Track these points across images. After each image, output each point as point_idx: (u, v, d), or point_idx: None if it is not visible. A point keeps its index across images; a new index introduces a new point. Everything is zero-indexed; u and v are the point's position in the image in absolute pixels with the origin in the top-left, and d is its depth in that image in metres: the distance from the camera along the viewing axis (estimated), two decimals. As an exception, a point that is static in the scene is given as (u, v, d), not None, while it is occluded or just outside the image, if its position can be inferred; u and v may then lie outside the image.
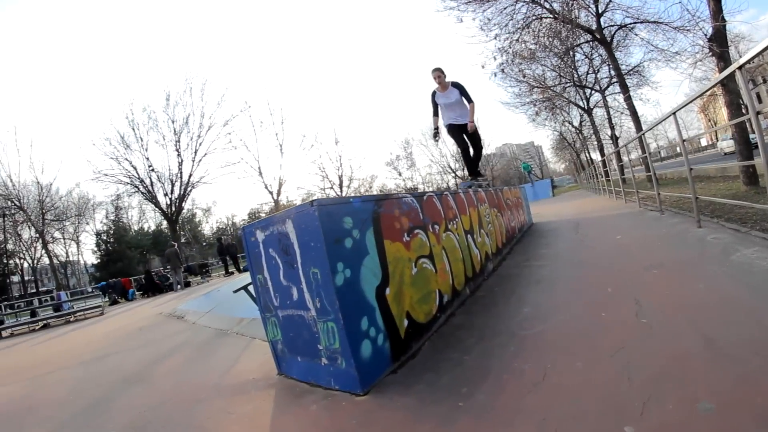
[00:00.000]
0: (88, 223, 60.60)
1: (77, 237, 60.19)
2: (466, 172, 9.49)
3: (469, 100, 9.12)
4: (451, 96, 9.14)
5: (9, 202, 44.51)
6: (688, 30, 18.18)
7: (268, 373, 4.73)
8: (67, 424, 4.58)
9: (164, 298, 21.26)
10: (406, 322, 4.20)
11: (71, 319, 18.81)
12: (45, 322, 18.53)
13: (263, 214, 70.83)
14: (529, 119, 42.12)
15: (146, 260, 60.05)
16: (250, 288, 7.96)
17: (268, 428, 3.46)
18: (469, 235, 6.68)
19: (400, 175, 71.28)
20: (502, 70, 26.51)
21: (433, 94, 9.31)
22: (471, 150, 9.66)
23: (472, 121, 9.14)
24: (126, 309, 19.13)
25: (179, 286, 24.43)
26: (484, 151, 69.05)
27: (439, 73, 8.93)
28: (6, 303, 33.83)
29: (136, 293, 27.29)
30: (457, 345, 4.15)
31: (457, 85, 9.14)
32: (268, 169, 51.62)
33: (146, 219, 66.26)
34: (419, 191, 6.09)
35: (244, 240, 4.82)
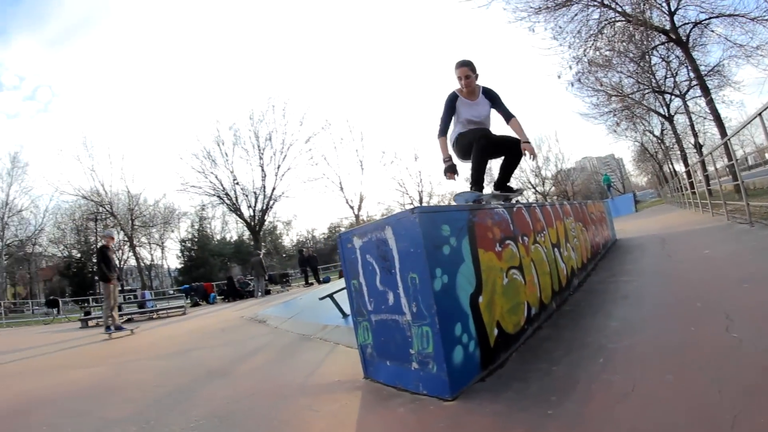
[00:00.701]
0: (173, 231, 62.64)
1: (162, 242, 62.67)
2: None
3: (510, 115, 6.07)
4: (480, 109, 6.11)
5: (101, 208, 49.04)
6: (767, 20, 17.43)
7: (353, 377, 4.75)
8: (152, 406, 4.77)
9: (245, 303, 21.78)
10: (496, 332, 4.18)
11: (154, 317, 19.71)
12: (129, 316, 19.14)
13: (343, 228, 71.59)
14: (609, 130, 40.45)
15: (227, 268, 61.47)
16: (336, 296, 8.09)
17: (354, 427, 3.49)
18: (556, 249, 6.57)
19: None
20: (579, 80, 26.12)
21: (453, 97, 6.09)
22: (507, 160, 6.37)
23: (528, 141, 5.98)
24: (207, 311, 19.75)
25: (260, 293, 24.95)
26: (564, 166, 67.77)
27: (467, 71, 5.91)
28: (93, 297, 36.91)
29: (217, 297, 28.11)
30: (544, 356, 4.10)
31: (490, 94, 6.16)
32: (349, 184, 52.22)
33: (228, 229, 67.78)
34: (509, 203, 5.96)
35: (340, 247, 4.90)
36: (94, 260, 54.95)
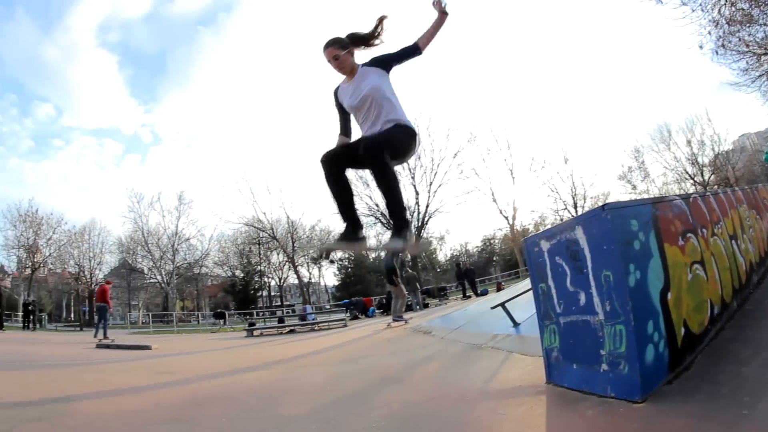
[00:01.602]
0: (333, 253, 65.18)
1: (319, 264, 65.57)
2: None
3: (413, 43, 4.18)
4: (361, 87, 4.16)
5: (263, 233, 55.83)
6: None
7: (534, 382, 4.66)
8: (329, 407, 4.95)
9: (405, 315, 22.12)
10: (682, 331, 3.97)
11: (315, 328, 20.53)
12: (291, 328, 20.35)
13: (497, 240, 71.12)
14: (763, 96, 36.00)
15: (383, 284, 62.90)
16: (508, 305, 8.03)
17: (543, 428, 3.47)
18: (733, 241, 6.10)
19: (634, 188, 66.65)
20: (722, 45, 23.84)
21: (336, 91, 4.48)
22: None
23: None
24: (367, 324, 20.41)
25: (418, 307, 25.23)
26: (721, 148, 59.99)
27: (334, 51, 4.12)
28: (257, 310, 41.28)
29: (376, 311, 28.79)
30: (731, 358, 3.88)
31: (375, 61, 4.26)
32: (501, 194, 51.75)
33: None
34: (685, 193, 5.70)
35: (526, 251, 4.91)
36: (256, 279, 61.89)
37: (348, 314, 26.70)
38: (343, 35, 4.22)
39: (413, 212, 47.65)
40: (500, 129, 60.77)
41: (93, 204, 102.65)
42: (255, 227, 56.42)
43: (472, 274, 29.65)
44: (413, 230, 4.38)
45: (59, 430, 4.51)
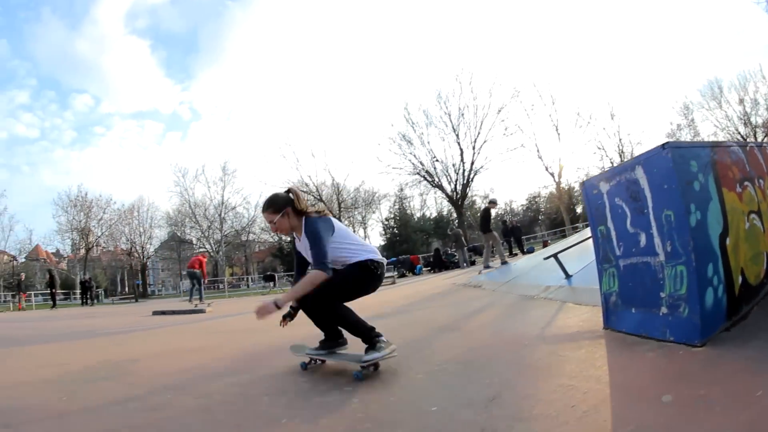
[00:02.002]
0: (374, 212, 68.16)
1: (365, 223, 67.73)
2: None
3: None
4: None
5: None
6: None
7: (591, 328, 4.76)
8: (397, 350, 5.08)
9: (451, 273, 22.32)
10: (740, 279, 3.96)
11: None
12: None
13: (542, 199, 70.41)
14: None
15: (428, 243, 64.14)
16: (560, 256, 8.07)
17: (605, 368, 3.49)
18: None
19: None
20: None
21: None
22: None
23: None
24: (415, 281, 20.67)
25: (465, 264, 25.36)
26: None
27: (269, 216, 4.48)
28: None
29: (423, 269, 29.07)
30: (787, 312, 3.85)
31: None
32: (546, 151, 50.92)
33: (427, 207, 70.86)
34: (742, 141, 5.62)
35: (585, 194, 4.94)
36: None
37: (395, 272, 27.02)
38: (279, 195, 4.57)
39: (458, 170, 47.83)
40: (544, 84, 59.00)
41: (139, 183, 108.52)
42: (302, 190, 56.22)
43: (518, 232, 29.46)
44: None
45: (124, 387, 4.76)
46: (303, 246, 4.51)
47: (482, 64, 76.04)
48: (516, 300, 8.01)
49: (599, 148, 51.46)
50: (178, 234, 66.97)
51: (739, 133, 52.81)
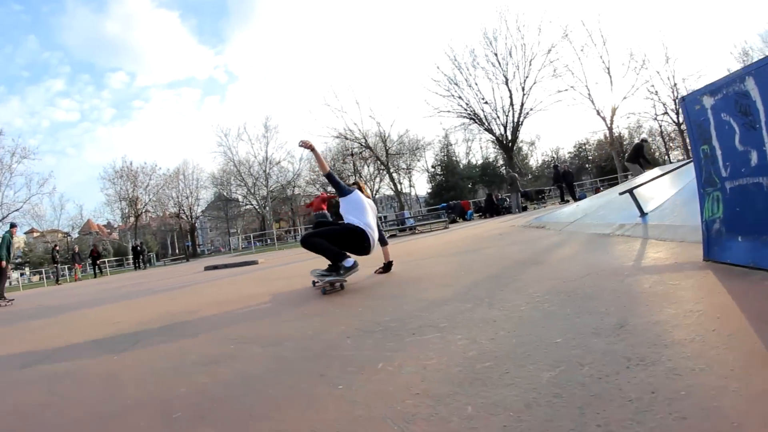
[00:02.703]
0: (419, 160, 68.30)
1: (410, 173, 68.10)
2: None
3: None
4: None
5: (356, 143, 57.82)
6: None
7: (689, 260, 4.44)
8: (475, 287, 4.97)
9: (504, 218, 22.06)
10: None
11: (416, 232, 21.40)
12: (392, 233, 21.03)
13: (590, 146, 69.09)
14: None
15: (475, 190, 64.77)
16: (636, 192, 7.71)
17: (727, 295, 3.23)
18: None
19: None
20: None
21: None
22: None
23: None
24: (468, 225, 20.60)
25: (517, 210, 25.04)
26: None
27: None
28: None
29: (474, 214, 28.81)
30: None
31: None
32: (598, 95, 49.54)
33: (472, 153, 71.09)
34: None
35: (685, 111, 4.56)
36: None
37: (446, 218, 26.83)
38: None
39: (507, 112, 47.47)
40: (595, 22, 57.11)
41: (182, 148, 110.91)
42: (347, 138, 57.42)
43: (570, 177, 28.44)
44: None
45: (179, 337, 4.85)
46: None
47: (529, 1, 73.80)
48: (590, 238, 7.66)
49: (652, 93, 49.24)
50: (224, 194, 69.25)
51: None
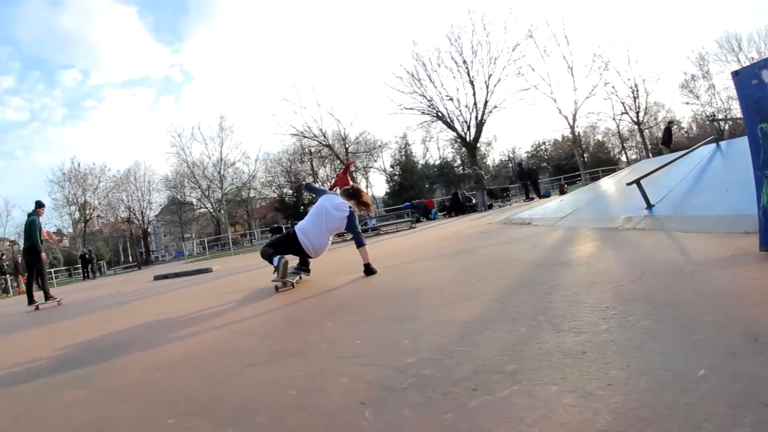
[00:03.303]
0: (375, 161, 68.71)
1: (366, 173, 68.29)
2: None
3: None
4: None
5: (315, 141, 57.67)
6: None
7: (746, 251, 3.81)
8: (497, 292, 4.06)
9: (471, 216, 21.34)
10: None
11: (381, 232, 20.55)
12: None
13: (547, 146, 70.34)
14: None
15: (433, 189, 65.65)
16: (643, 182, 7.06)
17: None
18: None
19: (698, 98, 63.80)
20: None
21: None
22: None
23: None
24: (437, 225, 19.72)
25: (483, 208, 24.41)
26: None
27: None
28: None
29: (439, 213, 28.06)
30: None
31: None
32: (561, 94, 50.05)
33: (430, 154, 72.22)
34: None
35: (739, 88, 3.84)
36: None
37: (411, 217, 26.09)
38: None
39: (471, 110, 47.25)
40: (559, 23, 57.46)
41: (135, 151, 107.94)
42: (305, 136, 57.00)
43: (534, 175, 28.49)
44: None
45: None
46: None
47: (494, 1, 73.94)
48: (598, 233, 6.85)
49: (612, 93, 50.32)
50: (178, 197, 67.44)
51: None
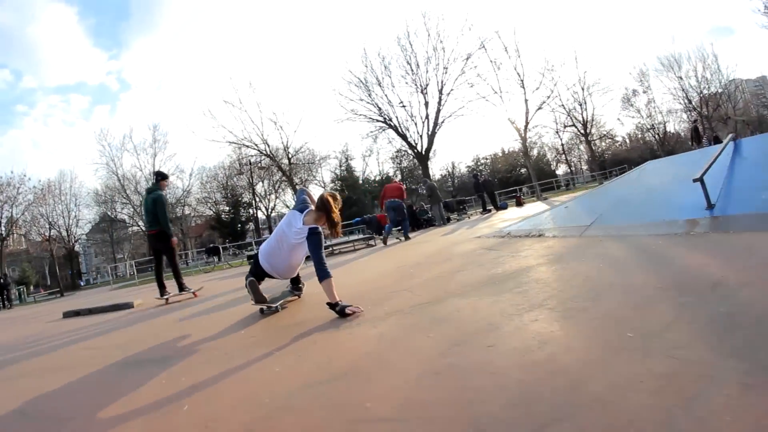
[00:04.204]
0: (314, 177, 66.74)
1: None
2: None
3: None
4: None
5: (254, 151, 53.51)
6: None
7: None
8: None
9: (432, 231, 19.71)
10: None
11: (335, 252, 18.36)
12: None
13: (486, 159, 70.95)
14: None
15: (375, 204, 63.97)
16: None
17: None
18: None
19: (639, 112, 66.10)
20: None
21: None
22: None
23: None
24: (400, 243, 17.30)
25: (441, 221, 23.08)
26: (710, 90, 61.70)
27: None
28: (258, 241, 38.04)
29: (393, 229, 26.35)
30: None
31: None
32: (512, 106, 50.38)
33: (370, 170, 71.97)
34: None
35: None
36: (242, 211, 60.37)
37: (365, 234, 24.51)
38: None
39: (424, 120, 46.13)
40: (511, 35, 60.15)
41: (67, 163, 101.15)
42: (245, 145, 53.40)
43: (490, 186, 28.01)
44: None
45: None
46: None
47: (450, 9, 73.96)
48: (667, 241, 5.49)
49: (559, 106, 52.69)
50: (109, 213, 63.01)
51: (692, 103, 61.91)
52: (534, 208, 21.19)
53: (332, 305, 4.84)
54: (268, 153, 52.95)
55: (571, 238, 7.39)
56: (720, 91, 61.91)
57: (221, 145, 52.82)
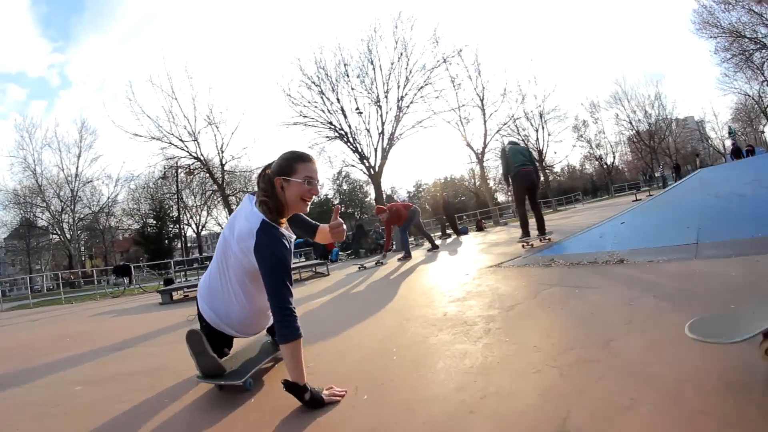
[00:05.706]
0: (247, 190, 60.89)
1: (238, 203, 61.99)
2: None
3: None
4: None
5: (183, 151, 42.38)
6: None
7: None
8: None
9: (393, 255, 17.17)
10: None
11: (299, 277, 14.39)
12: None
13: (425, 186, 70.24)
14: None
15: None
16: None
17: None
18: None
19: (588, 143, 70.08)
20: None
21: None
22: None
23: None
24: (356, 271, 13.91)
25: (401, 245, 20.62)
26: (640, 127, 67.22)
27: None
28: (185, 260, 34.10)
29: (341, 253, 23.58)
30: None
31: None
32: (470, 128, 48.44)
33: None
34: None
35: None
36: (170, 226, 56.42)
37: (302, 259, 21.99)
38: None
39: (379, 132, 41.28)
40: (472, 55, 56.89)
41: None
42: (171, 143, 41.06)
43: (451, 209, 25.79)
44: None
45: None
46: None
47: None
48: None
49: (518, 129, 54.45)
50: (29, 218, 54.49)
51: (639, 134, 67.36)
52: (501, 233, 19.90)
53: (296, 388, 2.82)
54: (198, 156, 41.82)
55: (569, 266, 6.32)
56: (663, 126, 67.31)
57: (145, 140, 41.51)
